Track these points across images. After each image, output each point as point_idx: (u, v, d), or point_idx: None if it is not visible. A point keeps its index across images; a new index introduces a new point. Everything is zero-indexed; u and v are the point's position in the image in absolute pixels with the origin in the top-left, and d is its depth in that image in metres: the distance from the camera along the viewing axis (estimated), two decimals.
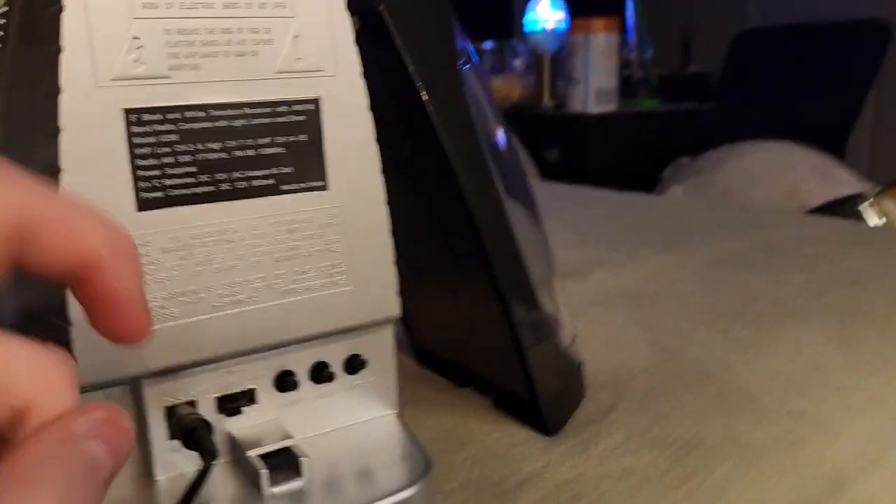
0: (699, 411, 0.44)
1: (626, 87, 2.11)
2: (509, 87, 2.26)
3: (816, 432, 0.41)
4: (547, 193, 1.11)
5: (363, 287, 0.34)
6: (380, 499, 0.31)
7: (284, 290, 0.32)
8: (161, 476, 0.32)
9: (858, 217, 1.06)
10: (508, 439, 0.42)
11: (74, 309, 0.28)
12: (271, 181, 0.31)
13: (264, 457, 0.32)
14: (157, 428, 0.32)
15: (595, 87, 1.94)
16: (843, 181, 1.54)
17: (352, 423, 0.36)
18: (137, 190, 0.29)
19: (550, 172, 1.96)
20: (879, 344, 0.53)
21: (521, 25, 2.35)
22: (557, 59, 2.17)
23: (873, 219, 1.06)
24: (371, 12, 0.36)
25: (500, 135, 0.43)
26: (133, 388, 0.32)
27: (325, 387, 0.35)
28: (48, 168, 0.28)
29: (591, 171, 2.02)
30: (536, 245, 0.44)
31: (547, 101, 2.20)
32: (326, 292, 0.33)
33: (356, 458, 0.34)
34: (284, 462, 0.32)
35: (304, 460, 0.32)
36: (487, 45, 2.48)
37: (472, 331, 0.46)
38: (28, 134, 0.29)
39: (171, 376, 0.32)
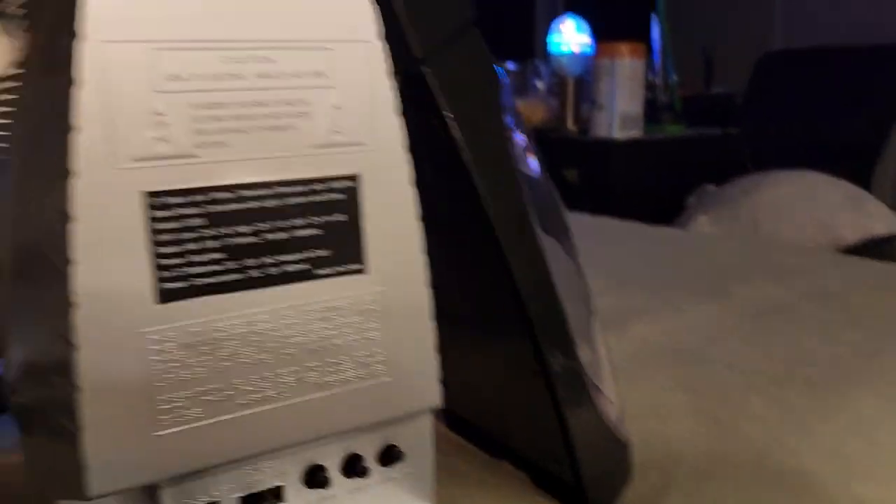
0: (758, 500, 0.40)
1: (650, 111, 2.07)
2: (532, 110, 2.23)
3: None
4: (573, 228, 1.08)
5: (403, 377, 0.31)
6: None
7: (318, 384, 0.29)
8: None
9: None
10: None
11: (88, 411, 0.25)
12: (305, 266, 0.28)
13: None
14: None
15: (620, 112, 1.90)
16: (875, 214, 1.50)
17: None
18: (159, 280, 0.26)
19: (572, 197, 1.92)
20: None
21: (544, 46, 2.32)
22: (581, 83, 2.14)
23: None
24: (413, 74, 0.33)
25: (538, 174, 0.40)
26: (148, 489, 0.29)
27: (357, 481, 0.32)
28: (59, 259, 0.25)
29: (615, 198, 1.98)
30: (575, 292, 0.41)
31: (570, 126, 2.17)
32: (363, 384, 0.30)
33: None
34: None
35: None
36: (509, 65, 2.45)
37: (507, 402, 0.43)
38: (37, 221, 0.26)
39: (191, 476, 0.29)
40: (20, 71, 0.32)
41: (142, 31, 0.25)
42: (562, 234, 0.40)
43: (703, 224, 1.55)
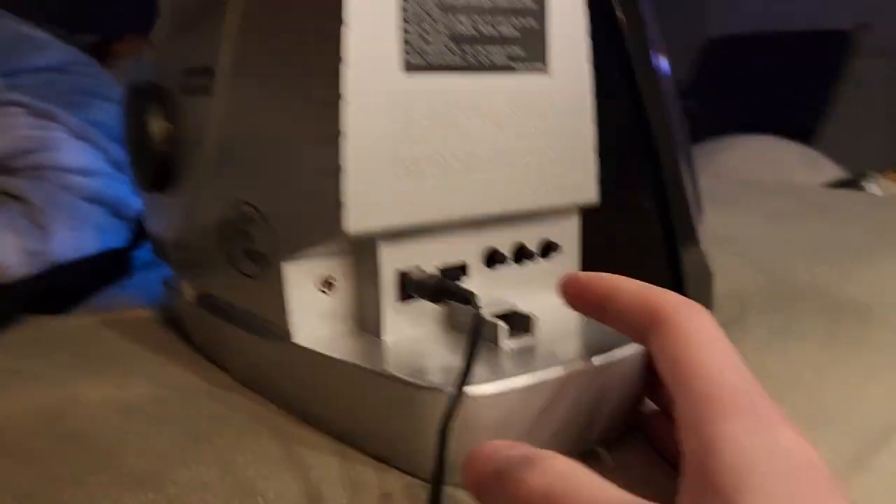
0: (826, 316, 0.46)
1: None
2: None
3: None
4: None
5: (571, 169, 0.36)
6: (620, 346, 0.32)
7: (509, 163, 0.34)
8: (388, 337, 0.33)
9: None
10: None
11: (349, 154, 0.30)
12: (506, 59, 0.33)
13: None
14: (388, 290, 0.33)
15: None
16: (829, 171, 1.59)
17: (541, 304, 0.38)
18: (405, 52, 0.31)
19: None
20: None
21: None
22: None
23: (877, 193, 1.11)
24: None
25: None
26: (356, 256, 0.34)
27: (523, 267, 0.37)
28: (332, 22, 0.29)
29: None
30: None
31: None
32: (544, 169, 0.35)
33: (577, 325, 0.35)
34: (515, 322, 0.33)
35: (534, 318, 0.33)
36: None
37: (615, 244, 0.47)
38: None
39: (402, 241, 0.33)
40: None
41: None
42: (684, 147, 0.45)
43: None
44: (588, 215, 0.38)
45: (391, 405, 0.30)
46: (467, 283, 0.35)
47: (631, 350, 0.32)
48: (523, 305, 0.37)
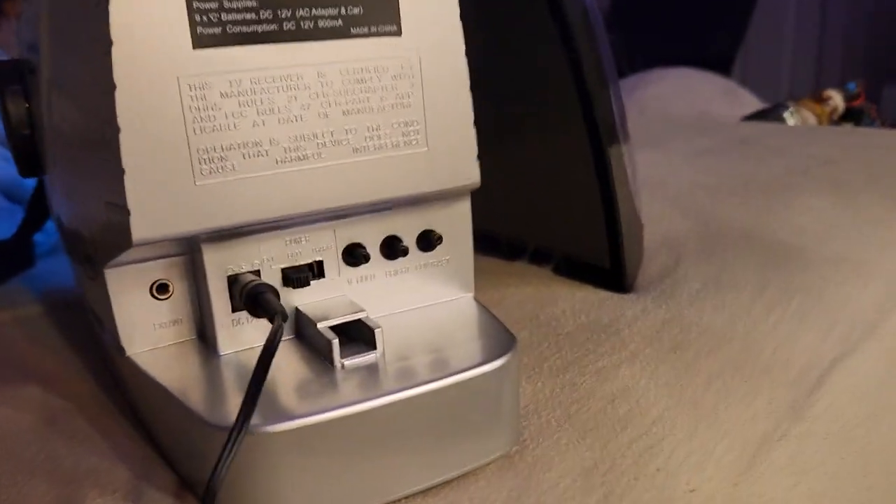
0: (755, 261, 0.41)
1: None
2: None
3: (854, 274, 0.39)
4: None
5: (440, 149, 0.26)
6: (463, 371, 0.24)
7: (355, 148, 0.25)
8: (226, 350, 0.25)
9: (782, 122, 1.02)
10: (594, 296, 0.37)
11: (128, 152, 0.21)
12: (339, 23, 0.24)
13: (335, 329, 0.25)
14: (220, 299, 0.25)
15: None
16: (747, 101, 1.49)
17: (426, 305, 0.29)
18: (193, 24, 0.21)
19: None
20: (874, 206, 0.50)
21: None
22: None
23: (793, 123, 1.02)
24: None
25: None
26: (191, 256, 0.25)
27: (397, 263, 0.28)
28: None
29: None
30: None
31: None
32: (399, 153, 0.26)
33: (433, 334, 0.27)
34: (357, 334, 0.25)
35: (378, 331, 0.25)
36: None
37: (538, 200, 0.39)
38: None
39: (232, 242, 0.24)
40: None
41: None
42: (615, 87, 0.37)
43: None
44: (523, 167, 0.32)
45: (190, 438, 0.23)
46: (323, 286, 0.27)
47: (498, 364, 0.24)
48: (396, 307, 0.28)
